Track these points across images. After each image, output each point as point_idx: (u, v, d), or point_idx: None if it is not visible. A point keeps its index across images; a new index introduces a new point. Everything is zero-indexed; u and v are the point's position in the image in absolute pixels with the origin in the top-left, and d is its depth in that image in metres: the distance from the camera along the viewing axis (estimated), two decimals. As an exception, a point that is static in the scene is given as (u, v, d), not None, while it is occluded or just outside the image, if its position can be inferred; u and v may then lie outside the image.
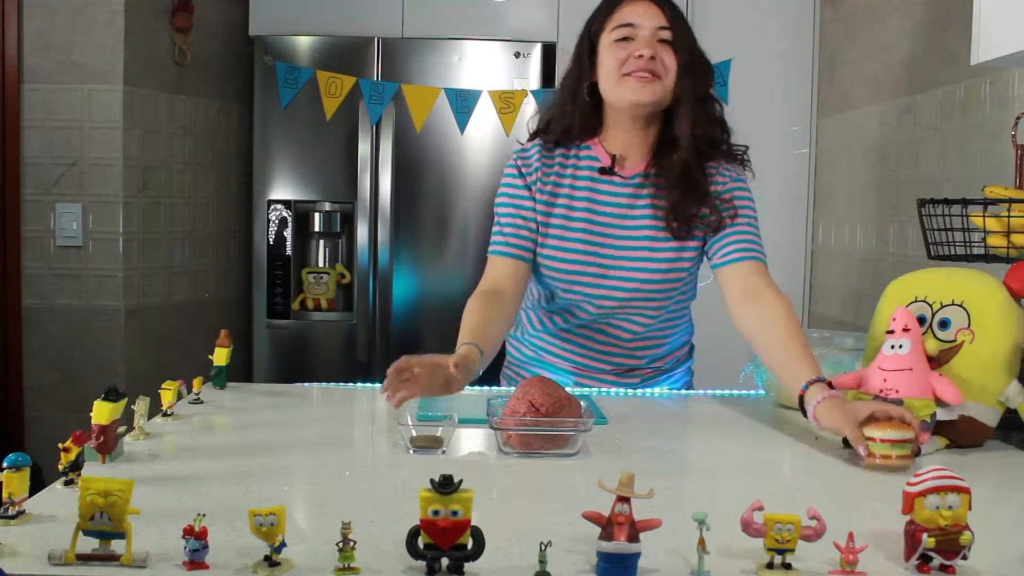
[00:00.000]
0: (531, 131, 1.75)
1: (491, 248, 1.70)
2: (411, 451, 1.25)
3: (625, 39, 1.59)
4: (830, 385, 1.35)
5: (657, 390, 1.78)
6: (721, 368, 2.08)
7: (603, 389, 1.73)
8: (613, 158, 1.65)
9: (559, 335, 1.76)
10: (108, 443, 1.14)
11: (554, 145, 1.69)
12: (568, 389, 1.48)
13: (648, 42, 1.58)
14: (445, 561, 0.82)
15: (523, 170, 1.69)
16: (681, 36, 1.60)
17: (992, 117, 2.22)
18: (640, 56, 1.57)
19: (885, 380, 1.32)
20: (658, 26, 1.59)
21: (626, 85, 1.59)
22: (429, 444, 1.26)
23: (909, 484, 0.87)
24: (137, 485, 0.85)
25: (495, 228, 1.71)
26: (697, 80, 1.61)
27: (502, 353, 1.92)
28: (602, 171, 1.66)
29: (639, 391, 1.75)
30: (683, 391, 1.83)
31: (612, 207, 1.65)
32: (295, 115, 3.16)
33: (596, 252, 1.65)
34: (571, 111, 1.67)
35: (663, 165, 1.62)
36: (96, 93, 2.79)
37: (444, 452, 1.25)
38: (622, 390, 1.74)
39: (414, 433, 1.27)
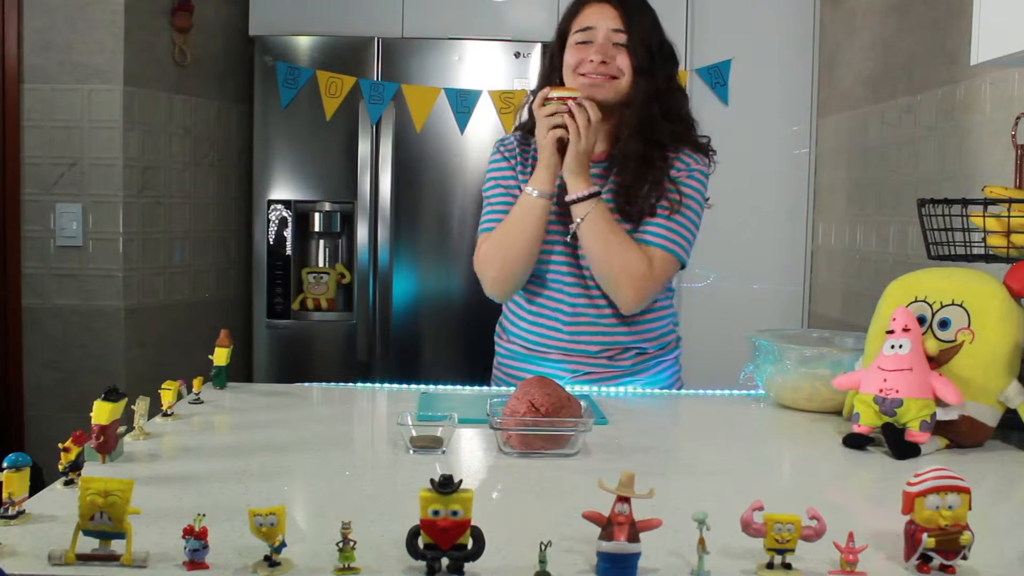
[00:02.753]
0: (516, 125, 1.91)
1: (483, 227, 1.81)
2: (411, 451, 1.25)
3: (585, 42, 1.71)
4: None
5: (656, 390, 1.79)
6: (720, 368, 2.08)
7: (601, 388, 1.73)
8: None
9: (545, 320, 1.79)
10: (108, 443, 1.14)
11: (531, 134, 1.80)
12: (567, 387, 1.49)
13: (602, 47, 1.70)
14: (445, 561, 0.82)
15: (506, 154, 1.84)
16: (636, 37, 1.71)
17: (992, 117, 2.22)
18: (592, 61, 1.69)
19: (885, 380, 1.31)
20: (612, 28, 1.70)
21: (580, 84, 1.71)
22: (429, 444, 1.26)
23: (909, 484, 0.87)
24: (137, 485, 0.85)
25: (486, 209, 1.83)
26: (655, 76, 1.71)
27: (491, 354, 1.93)
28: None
29: (639, 390, 1.76)
30: (682, 391, 1.84)
31: None
32: (295, 115, 3.16)
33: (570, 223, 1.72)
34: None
35: (620, 150, 1.73)
36: (96, 93, 2.79)
37: (444, 452, 1.25)
38: (622, 389, 1.74)
39: (414, 433, 1.27)
